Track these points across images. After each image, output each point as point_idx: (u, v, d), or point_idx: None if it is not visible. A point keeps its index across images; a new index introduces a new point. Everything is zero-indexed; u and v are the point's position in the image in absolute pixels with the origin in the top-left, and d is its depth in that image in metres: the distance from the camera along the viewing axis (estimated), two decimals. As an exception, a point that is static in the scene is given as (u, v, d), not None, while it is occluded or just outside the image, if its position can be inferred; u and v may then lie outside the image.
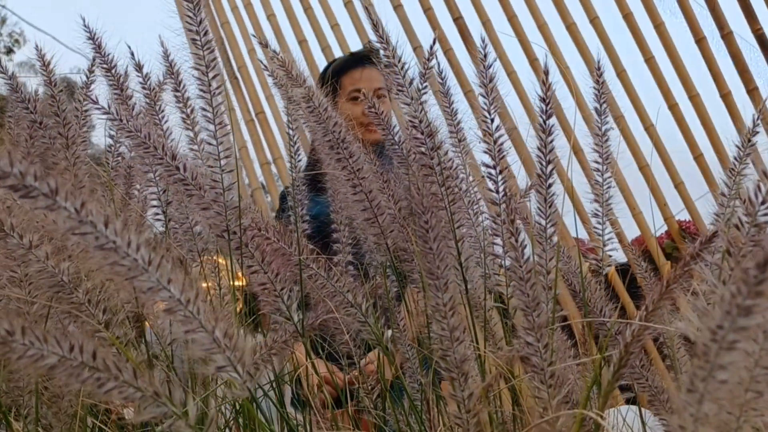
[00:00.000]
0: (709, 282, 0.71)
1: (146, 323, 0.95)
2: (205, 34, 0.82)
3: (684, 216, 2.88)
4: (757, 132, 0.84)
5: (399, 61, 0.91)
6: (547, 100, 0.87)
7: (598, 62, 1.05)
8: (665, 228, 2.89)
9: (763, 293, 0.40)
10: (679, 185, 2.70)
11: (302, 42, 3.13)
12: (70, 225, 0.52)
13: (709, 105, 2.68)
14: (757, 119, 0.83)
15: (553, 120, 0.88)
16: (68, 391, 0.86)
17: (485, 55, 0.93)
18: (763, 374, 0.54)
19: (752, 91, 2.56)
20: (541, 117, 0.87)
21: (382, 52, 0.91)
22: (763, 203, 0.66)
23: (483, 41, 0.93)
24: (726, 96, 2.62)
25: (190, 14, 0.81)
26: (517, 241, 0.74)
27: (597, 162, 1.06)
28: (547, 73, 0.87)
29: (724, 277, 0.71)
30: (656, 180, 2.71)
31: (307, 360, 1.04)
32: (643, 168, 2.71)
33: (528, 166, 2.32)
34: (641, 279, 1.07)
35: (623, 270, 2.36)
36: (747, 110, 2.56)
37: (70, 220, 0.52)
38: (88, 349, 0.53)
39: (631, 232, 2.73)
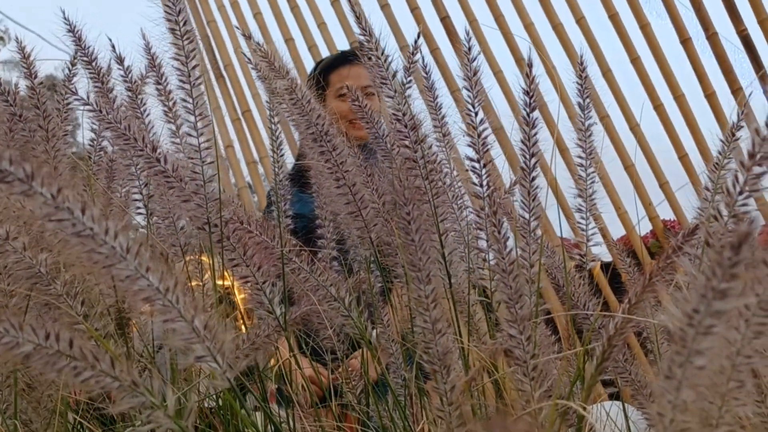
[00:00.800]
0: (689, 273, 0.71)
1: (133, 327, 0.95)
2: (185, 23, 0.81)
3: (668, 215, 2.89)
4: (741, 126, 0.84)
5: (382, 54, 0.90)
6: (531, 93, 0.86)
7: (581, 56, 1.05)
8: (650, 227, 2.90)
9: (738, 276, 0.40)
10: (663, 185, 2.71)
11: (289, 40, 3.12)
12: (46, 211, 0.52)
13: (693, 105, 2.70)
14: (742, 114, 0.83)
15: (537, 113, 0.88)
16: (45, 383, 0.85)
17: (469, 48, 0.92)
18: (744, 363, 0.53)
19: (736, 91, 2.57)
20: (525, 110, 0.87)
21: (365, 44, 0.91)
22: (740, 194, 0.66)
23: (467, 34, 0.92)
24: (710, 96, 2.63)
25: (170, 3, 0.80)
26: (499, 233, 0.74)
27: (580, 157, 1.06)
28: (531, 65, 0.86)
29: (703, 268, 0.71)
30: (641, 179, 2.72)
31: (290, 356, 1.03)
32: (629, 167, 2.72)
33: (513, 163, 2.32)
34: (625, 274, 1.07)
35: (607, 267, 2.37)
36: (731, 110, 2.57)
37: (46, 206, 0.52)
38: (65, 338, 0.53)
39: (616, 230, 2.74)
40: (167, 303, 0.57)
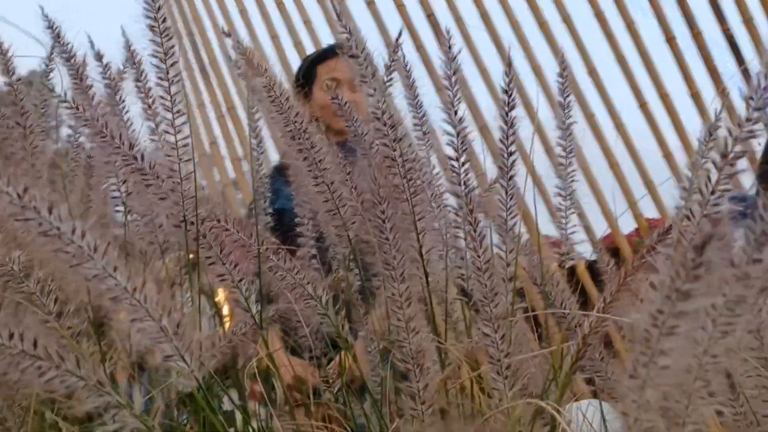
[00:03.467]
0: (662, 272, 0.71)
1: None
2: (164, 20, 0.81)
3: (653, 214, 2.90)
4: (719, 126, 0.84)
5: (362, 51, 0.90)
6: (510, 92, 0.86)
7: (561, 55, 1.05)
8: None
9: (701, 277, 0.40)
10: (649, 183, 2.71)
11: (274, 38, 3.11)
12: (12, 210, 0.51)
13: (678, 104, 2.71)
14: (719, 113, 0.83)
15: (516, 112, 0.88)
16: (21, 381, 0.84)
17: (450, 46, 0.92)
18: (711, 363, 0.54)
19: (722, 91, 2.58)
20: (504, 109, 0.87)
21: (345, 42, 0.90)
22: (713, 194, 0.67)
23: (448, 32, 0.92)
24: (695, 95, 2.64)
25: (149, 0, 0.79)
26: (475, 231, 0.74)
27: (561, 156, 1.06)
28: (510, 63, 0.86)
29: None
30: (626, 178, 2.73)
31: (269, 351, 1.03)
32: (614, 166, 2.73)
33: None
34: (604, 272, 1.07)
35: (593, 265, 2.37)
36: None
37: (12, 206, 0.51)
38: (29, 337, 0.52)
39: (601, 228, 2.74)
40: (135, 302, 0.57)
